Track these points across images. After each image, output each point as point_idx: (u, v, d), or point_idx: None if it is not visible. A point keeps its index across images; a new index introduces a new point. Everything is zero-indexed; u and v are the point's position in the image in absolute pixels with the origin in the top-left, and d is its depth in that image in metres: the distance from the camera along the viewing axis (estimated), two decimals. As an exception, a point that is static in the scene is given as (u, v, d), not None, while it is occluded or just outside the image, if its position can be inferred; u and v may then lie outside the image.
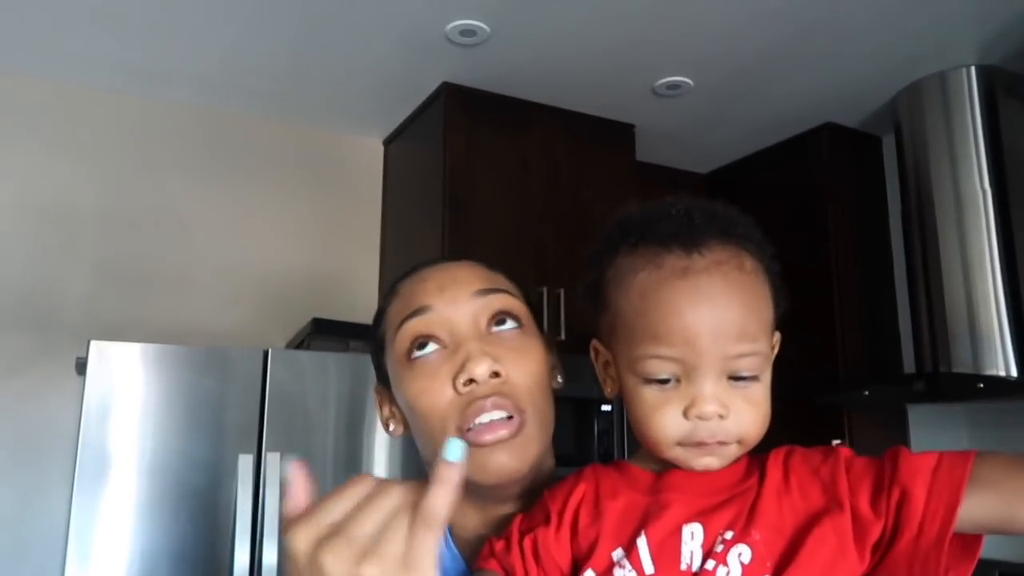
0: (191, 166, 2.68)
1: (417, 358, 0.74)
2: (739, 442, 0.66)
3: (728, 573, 0.61)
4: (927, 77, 2.45)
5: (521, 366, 0.74)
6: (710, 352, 0.63)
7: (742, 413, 0.65)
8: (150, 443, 1.84)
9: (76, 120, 2.55)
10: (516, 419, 0.72)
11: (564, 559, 0.67)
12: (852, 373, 2.56)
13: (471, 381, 0.71)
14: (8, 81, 2.46)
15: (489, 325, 0.75)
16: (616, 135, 2.81)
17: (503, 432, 0.71)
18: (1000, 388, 2.24)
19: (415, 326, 0.75)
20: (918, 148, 2.48)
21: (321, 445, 1.97)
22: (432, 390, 0.72)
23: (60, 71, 2.48)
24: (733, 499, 0.65)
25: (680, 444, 0.65)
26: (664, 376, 0.65)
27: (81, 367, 1.87)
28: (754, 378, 0.65)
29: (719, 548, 0.62)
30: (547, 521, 0.68)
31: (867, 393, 2.42)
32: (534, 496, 0.73)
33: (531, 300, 0.83)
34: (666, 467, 0.68)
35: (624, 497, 0.68)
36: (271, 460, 1.90)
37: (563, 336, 2.45)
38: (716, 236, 0.67)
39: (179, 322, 2.52)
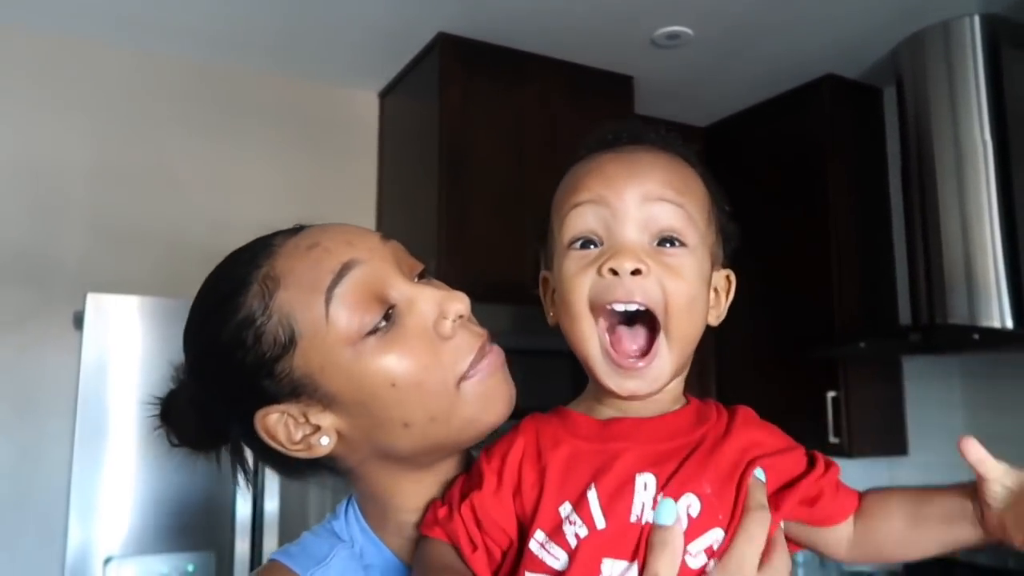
0: (184, 120, 2.65)
1: (382, 327, 0.65)
2: (664, 330, 0.62)
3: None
4: (929, 27, 2.41)
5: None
6: (628, 192, 0.62)
7: (664, 278, 0.61)
8: (149, 394, 1.85)
9: (68, 74, 2.50)
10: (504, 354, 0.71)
11: (508, 522, 0.62)
12: (848, 326, 2.58)
13: (460, 318, 0.67)
14: (-5, 32, 2.42)
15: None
16: (615, 87, 2.77)
17: (499, 353, 0.71)
18: (996, 339, 2.26)
19: (353, 287, 0.64)
20: (919, 99, 2.45)
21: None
22: (419, 347, 0.65)
23: (50, 23, 2.43)
24: (685, 446, 0.62)
25: (596, 317, 0.63)
26: (585, 232, 0.63)
27: (79, 321, 1.87)
28: (682, 245, 0.63)
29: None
30: (483, 483, 0.63)
31: (863, 346, 2.43)
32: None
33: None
34: (611, 415, 0.65)
35: (567, 446, 0.63)
36: (270, 412, 1.91)
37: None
38: (653, 140, 0.69)
39: (173, 277, 2.50)
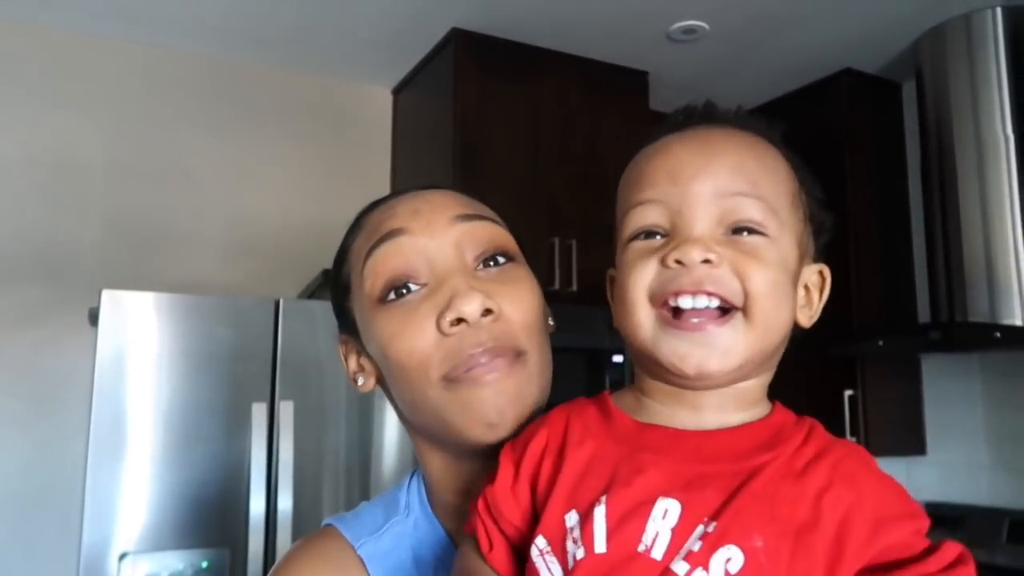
0: (200, 116, 2.65)
1: (392, 300, 0.63)
2: (743, 313, 0.51)
3: None
4: (951, 20, 2.37)
5: (517, 302, 0.64)
6: (698, 186, 0.53)
7: (741, 264, 0.51)
8: (164, 392, 1.86)
9: (84, 70, 2.52)
10: (514, 355, 0.62)
11: (523, 520, 0.55)
12: (867, 323, 2.55)
13: (460, 321, 0.60)
14: (15, 30, 2.43)
15: (476, 261, 0.65)
16: (630, 82, 2.75)
17: (501, 363, 0.61)
18: (1017, 337, 2.22)
19: (386, 255, 0.63)
20: (939, 93, 2.42)
21: (334, 393, 1.99)
22: (410, 330, 0.61)
23: (67, 19, 2.43)
24: (735, 474, 0.49)
25: (656, 311, 0.52)
26: (648, 225, 0.54)
27: (94, 317, 1.88)
28: (760, 234, 0.53)
29: (696, 546, 0.47)
30: (497, 476, 0.57)
31: (882, 343, 2.41)
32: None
33: (517, 236, 0.73)
34: (650, 421, 0.55)
35: (592, 444, 0.55)
36: (284, 408, 1.91)
37: (575, 288, 2.44)
38: (733, 120, 0.59)
39: (189, 273, 2.52)
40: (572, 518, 0.52)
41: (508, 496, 0.56)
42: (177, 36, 2.55)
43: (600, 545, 0.49)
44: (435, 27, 2.48)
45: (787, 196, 0.56)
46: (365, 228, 0.68)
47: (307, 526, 1.86)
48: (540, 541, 0.52)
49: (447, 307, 0.60)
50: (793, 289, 0.55)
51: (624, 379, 2.47)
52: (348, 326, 0.70)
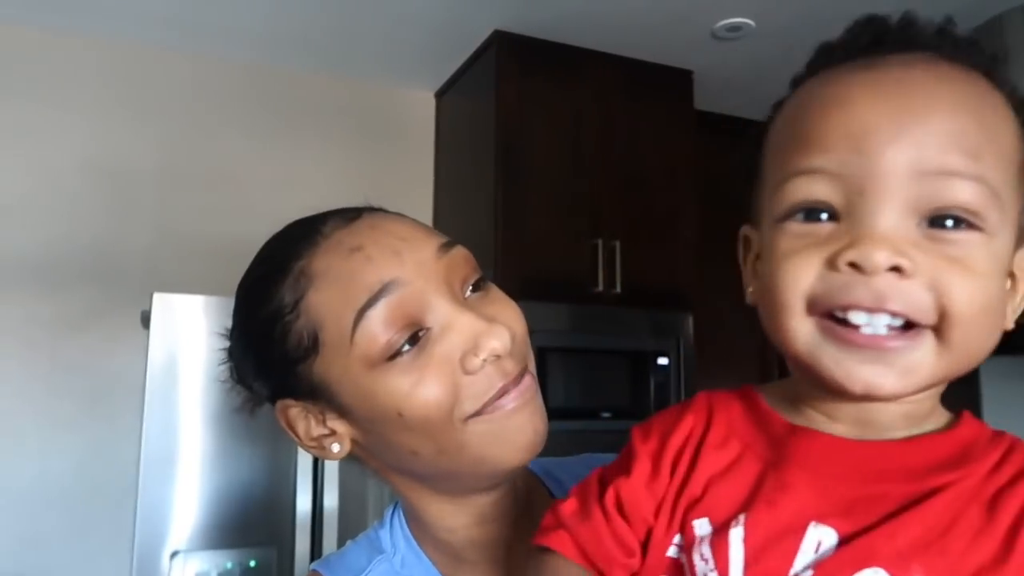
0: (244, 122, 2.70)
1: (400, 354, 0.57)
2: (935, 332, 0.40)
3: None
4: (1011, 11, 2.30)
5: (513, 318, 0.61)
6: (891, 160, 0.39)
7: (943, 276, 0.39)
8: (214, 393, 1.89)
9: (133, 79, 2.58)
10: (527, 373, 0.61)
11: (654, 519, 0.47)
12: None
13: (495, 358, 0.58)
14: (69, 42, 2.50)
15: (464, 290, 0.61)
16: (673, 82, 2.72)
17: (523, 386, 0.59)
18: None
19: (385, 313, 0.56)
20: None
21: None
22: (431, 382, 0.57)
23: (114, 30, 2.50)
24: (905, 496, 0.40)
25: (816, 318, 0.41)
26: (810, 203, 0.41)
27: (146, 320, 1.92)
28: (973, 228, 0.39)
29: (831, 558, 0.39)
30: (630, 469, 0.48)
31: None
32: (516, 478, 0.64)
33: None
34: (804, 423, 0.45)
35: (735, 448, 0.46)
36: (329, 411, 1.93)
37: (618, 289, 2.42)
38: (935, 43, 0.44)
39: (237, 276, 2.56)
40: (704, 526, 0.44)
41: (645, 491, 0.47)
42: (221, 44, 2.60)
43: (736, 571, 0.41)
44: (476, 29, 2.49)
45: (1015, 168, 0.42)
46: (327, 278, 0.59)
47: (353, 525, 1.88)
48: (677, 542, 0.45)
49: (473, 348, 0.57)
50: (1005, 295, 0.43)
51: (669, 381, 2.43)
52: (301, 391, 0.61)
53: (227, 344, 0.68)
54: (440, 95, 2.93)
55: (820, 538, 0.40)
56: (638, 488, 0.47)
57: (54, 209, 2.43)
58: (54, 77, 2.48)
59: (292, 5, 2.35)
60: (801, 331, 0.42)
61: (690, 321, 2.48)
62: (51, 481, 2.30)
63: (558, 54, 2.56)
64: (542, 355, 2.18)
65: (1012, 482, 0.40)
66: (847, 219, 0.41)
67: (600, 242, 2.44)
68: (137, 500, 1.82)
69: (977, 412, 2.44)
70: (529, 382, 0.60)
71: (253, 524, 1.87)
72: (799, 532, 0.40)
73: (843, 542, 0.40)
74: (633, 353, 2.42)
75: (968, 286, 0.39)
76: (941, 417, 0.46)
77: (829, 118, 0.42)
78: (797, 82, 0.49)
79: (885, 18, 0.47)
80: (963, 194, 0.39)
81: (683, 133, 2.70)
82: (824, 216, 0.41)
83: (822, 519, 0.40)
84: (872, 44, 0.45)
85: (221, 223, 2.61)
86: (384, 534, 0.71)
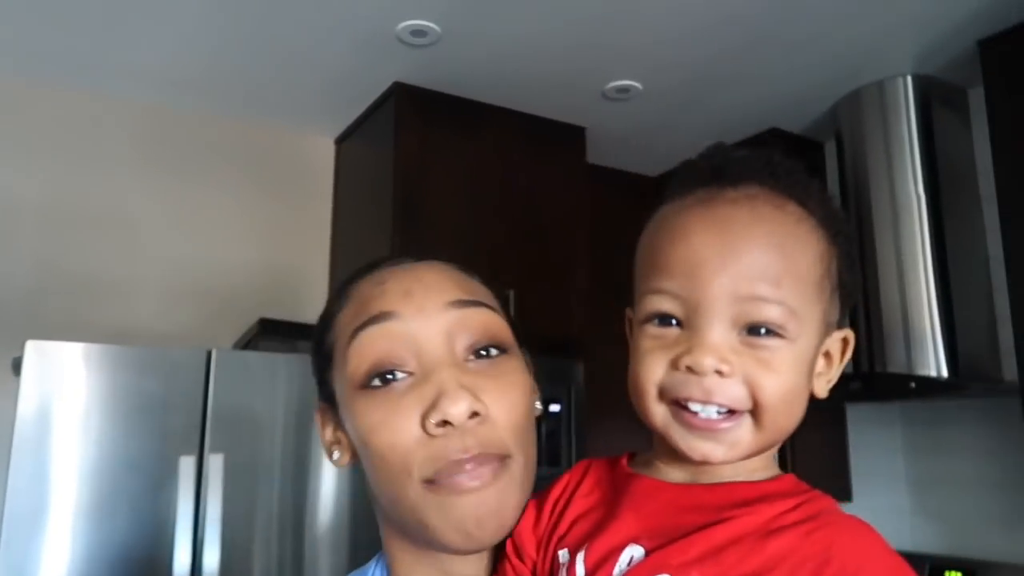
0: (137, 163, 2.62)
1: (375, 387, 0.60)
2: (752, 415, 0.52)
3: None
4: (866, 86, 2.53)
5: (506, 401, 0.60)
6: (716, 288, 0.51)
7: (754, 375, 0.51)
8: (90, 445, 1.79)
9: (17, 114, 2.47)
10: (499, 461, 0.60)
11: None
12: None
13: (445, 423, 0.57)
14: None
15: (468, 352, 0.62)
16: (568, 137, 2.83)
17: (486, 472, 0.58)
18: (932, 388, 2.33)
19: (372, 339, 0.61)
20: (857, 154, 2.56)
21: (268, 448, 1.94)
22: (393, 425, 0.58)
23: (6, 65, 2.40)
24: (698, 523, 0.51)
25: (667, 405, 0.54)
26: (662, 313, 0.54)
27: (17, 367, 1.81)
28: (778, 336, 0.52)
29: (630, 567, 0.51)
30: (523, 517, 0.61)
31: (808, 392, 2.48)
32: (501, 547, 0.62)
33: (507, 308, 0.71)
34: (678, 478, 0.57)
35: (598, 493, 0.59)
36: (213, 462, 1.86)
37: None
38: (760, 176, 0.56)
39: (124, 322, 2.46)
40: (564, 556, 0.56)
41: (531, 537, 0.60)
42: (115, 82, 2.53)
43: None
44: (378, 80, 2.52)
45: (814, 285, 0.54)
46: (353, 300, 0.65)
47: (237, 583, 1.81)
48: (563, 560, 0.56)
49: (432, 406, 0.58)
50: (809, 376, 0.56)
51: (561, 429, 2.48)
52: (327, 396, 0.67)
53: None
54: (340, 141, 2.94)
55: (632, 554, 0.52)
56: (526, 531, 0.60)
57: (-84, 247, 2.27)
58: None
59: (195, 48, 2.32)
60: (657, 412, 0.55)
61: (582, 368, 2.55)
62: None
63: (458, 107, 2.63)
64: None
65: (794, 525, 0.50)
66: (688, 328, 0.53)
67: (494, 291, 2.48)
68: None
69: (844, 453, 2.57)
70: (494, 471, 0.58)
71: (129, 584, 1.77)
72: (619, 550, 0.52)
73: (647, 555, 0.51)
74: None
75: (772, 381, 0.52)
76: (767, 472, 0.57)
77: (674, 249, 0.55)
78: (661, 196, 0.60)
79: (727, 150, 0.59)
80: (769, 313, 0.52)
81: (577, 185, 2.80)
82: (673, 322, 0.54)
83: (636, 540, 0.52)
84: (713, 176, 0.56)
85: (110, 266, 2.50)
86: None
